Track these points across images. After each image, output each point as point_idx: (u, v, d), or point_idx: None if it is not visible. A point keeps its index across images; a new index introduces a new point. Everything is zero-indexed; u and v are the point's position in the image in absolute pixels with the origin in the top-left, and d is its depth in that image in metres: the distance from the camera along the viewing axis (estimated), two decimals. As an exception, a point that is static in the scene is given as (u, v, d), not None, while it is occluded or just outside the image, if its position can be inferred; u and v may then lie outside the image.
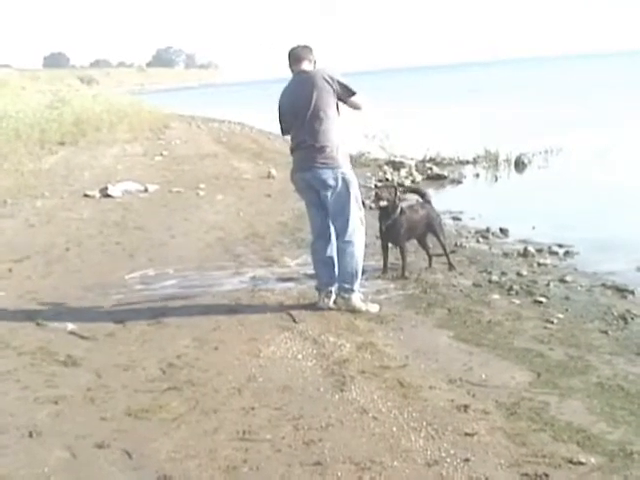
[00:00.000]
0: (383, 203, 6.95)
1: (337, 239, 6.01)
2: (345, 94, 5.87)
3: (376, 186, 6.86)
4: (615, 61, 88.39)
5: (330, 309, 6.08)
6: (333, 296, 6.11)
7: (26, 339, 5.55)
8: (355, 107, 6.00)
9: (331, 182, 5.82)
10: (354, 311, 5.99)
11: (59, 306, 6.39)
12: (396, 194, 7.07)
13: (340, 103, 5.92)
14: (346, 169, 5.90)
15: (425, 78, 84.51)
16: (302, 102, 5.82)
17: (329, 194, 5.88)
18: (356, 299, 6.05)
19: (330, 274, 6.10)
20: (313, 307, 6.14)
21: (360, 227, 6.02)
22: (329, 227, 6.06)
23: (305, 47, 6.13)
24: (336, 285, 6.09)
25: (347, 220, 5.91)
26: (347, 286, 6.02)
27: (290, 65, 6.07)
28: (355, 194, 5.95)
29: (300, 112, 5.85)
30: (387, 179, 13.91)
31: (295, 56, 6.05)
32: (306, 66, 6.01)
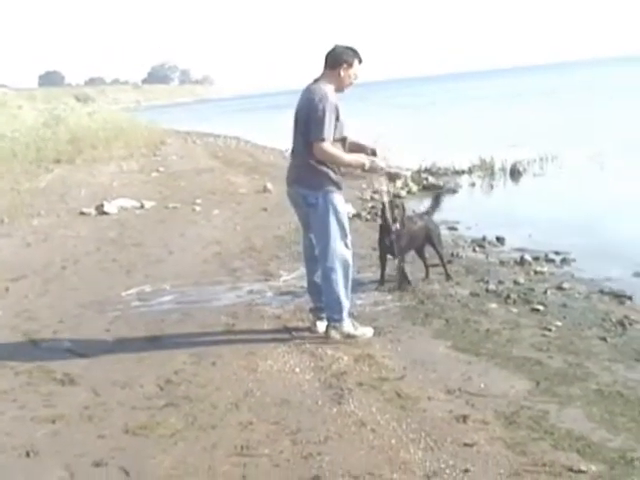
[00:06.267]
0: (397, 226, 6.85)
1: (319, 263, 5.69)
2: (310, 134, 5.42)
3: (383, 204, 6.79)
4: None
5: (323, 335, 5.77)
6: (325, 322, 5.79)
7: (23, 358, 5.52)
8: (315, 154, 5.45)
9: (311, 200, 5.52)
10: (348, 338, 5.67)
11: (56, 324, 6.36)
12: (404, 210, 7.06)
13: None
14: (330, 192, 5.53)
15: (419, 89, 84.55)
16: (298, 114, 5.56)
17: (310, 212, 5.59)
18: (348, 326, 5.70)
19: (319, 298, 5.83)
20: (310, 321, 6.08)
21: (346, 252, 5.64)
22: (314, 248, 5.77)
23: (345, 51, 5.60)
24: (326, 313, 5.79)
25: (327, 244, 5.55)
26: (336, 316, 5.66)
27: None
28: (339, 219, 5.56)
29: (295, 123, 5.62)
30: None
31: (328, 61, 5.61)
32: (326, 77, 5.58)
